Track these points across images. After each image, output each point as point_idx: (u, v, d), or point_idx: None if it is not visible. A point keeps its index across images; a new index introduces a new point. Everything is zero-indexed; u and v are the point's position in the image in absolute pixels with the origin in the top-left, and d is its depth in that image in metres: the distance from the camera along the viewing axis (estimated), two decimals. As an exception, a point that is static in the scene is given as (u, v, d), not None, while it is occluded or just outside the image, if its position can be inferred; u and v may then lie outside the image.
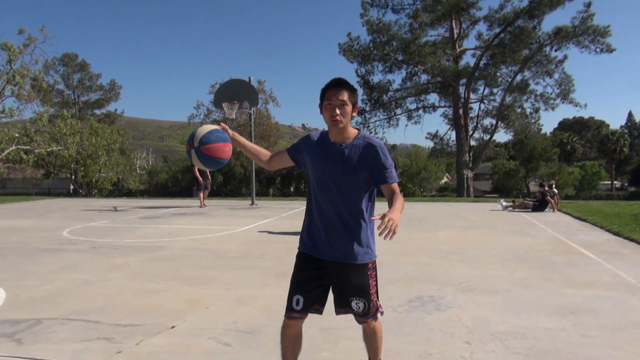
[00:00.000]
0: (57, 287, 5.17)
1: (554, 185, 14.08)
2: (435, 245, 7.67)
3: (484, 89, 29.39)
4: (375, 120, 31.62)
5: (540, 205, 13.05)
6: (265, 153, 2.75)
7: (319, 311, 2.59)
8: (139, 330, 3.80)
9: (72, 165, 29.06)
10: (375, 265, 2.58)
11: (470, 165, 29.18)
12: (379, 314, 2.62)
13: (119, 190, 34.86)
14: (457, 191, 30.29)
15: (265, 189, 31.90)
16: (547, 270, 5.82)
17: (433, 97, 32.36)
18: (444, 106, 31.13)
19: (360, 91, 30.83)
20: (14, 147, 22.84)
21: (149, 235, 8.86)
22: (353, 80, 47.18)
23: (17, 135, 23.36)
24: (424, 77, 29.71)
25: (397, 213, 2.23)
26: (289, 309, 2.54)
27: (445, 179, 60.54)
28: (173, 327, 3.89)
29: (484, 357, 3.24)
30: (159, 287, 5.15)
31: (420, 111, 31.08)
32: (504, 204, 14.11)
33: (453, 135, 30.55)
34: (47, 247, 7.55)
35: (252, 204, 15.40)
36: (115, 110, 46.56)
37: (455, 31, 28.58)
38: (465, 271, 5.80)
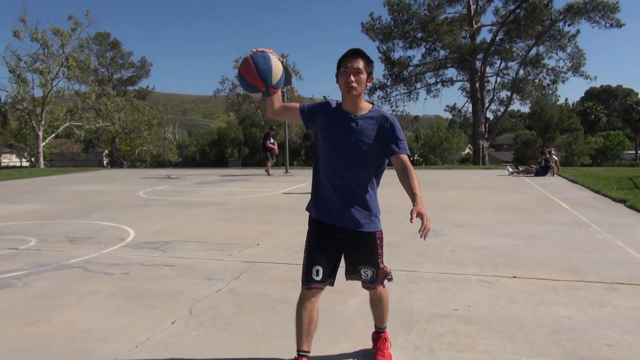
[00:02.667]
0: (164, 226, 7.22)
1: (553, 152, 15.71)
2: (443, 200, 9.51)
3: (500, 62, 30.68)
4: (396, 94, 33.29)
5: (542, 170, 14.70)
6: (280, 99, 2.63)
7: (332, 283, 2.58)
8: (236, 246, 5.80)
9: (117, 140, 31.60)
10: (382, 236, 2.60)
11: (486, 135, 30.66)
12: (386, 281, 2.69)
13: (152, 163, 37.43)
14: (473, 160, 31.84)
15: (290, 160, 33.93)
16: (526, 215, 7.63)
17: (451, 72, 33.77)
18: (462, 80, 32.53)
19: (381, 67, 32.39)
20: (67, 124, 25.29)
21: (211, 195, 10.92)
22: (375, 57, 48.03)
23: (66, 113, 25.72)
24: (442, 53, 31.14)
25: (423, 204, 2.32)
26: (308, 280, 2.49)
27: (467, 150, 61.38)
28: (258, 244, 5.88)
29: (461, 256, 5.15)
30: (236, 225, 7.17)
31: (439, 85, 32.60)
32: (510, 169, 15.81)
33: (470, 107, 31.95)
34: (136, 204, 9.65)
35: (287, 172, 17.40)
36: (147, 86, 48.94)
37: (473, 7, 29.68)
38: (462, 216, 7.67)
